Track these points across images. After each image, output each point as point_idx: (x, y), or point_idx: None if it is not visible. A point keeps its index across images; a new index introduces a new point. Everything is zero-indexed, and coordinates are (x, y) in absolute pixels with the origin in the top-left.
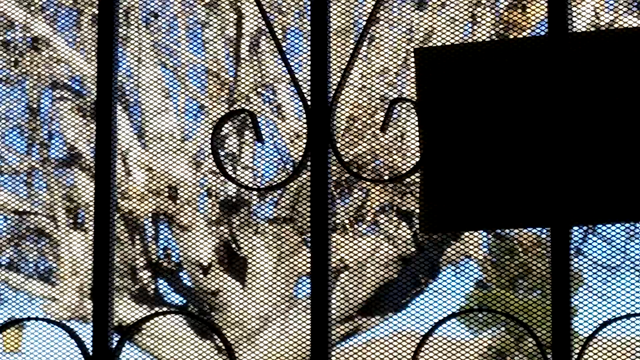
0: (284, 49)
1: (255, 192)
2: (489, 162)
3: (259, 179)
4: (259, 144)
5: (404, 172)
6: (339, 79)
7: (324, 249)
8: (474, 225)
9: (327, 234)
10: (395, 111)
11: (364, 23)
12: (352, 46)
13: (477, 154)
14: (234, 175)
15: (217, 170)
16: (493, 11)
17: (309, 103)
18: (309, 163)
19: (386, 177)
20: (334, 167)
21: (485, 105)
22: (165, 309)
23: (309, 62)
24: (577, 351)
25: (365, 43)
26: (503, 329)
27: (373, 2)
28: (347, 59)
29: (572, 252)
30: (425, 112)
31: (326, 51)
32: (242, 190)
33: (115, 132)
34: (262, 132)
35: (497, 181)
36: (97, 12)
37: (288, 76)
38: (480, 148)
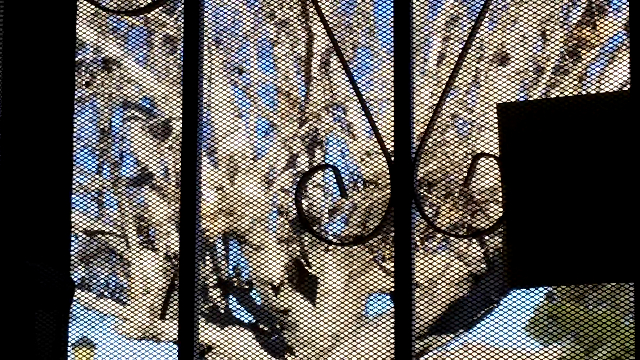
0: (354, 66)
1: (325, 211)
2: (572, 216)
3: (329, 198)
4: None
5: (474, 190)
6: (419, 126)
7: (407, 302)
8: (559, 280)
9: (410, 281)
10: (465, 129)
11: (432, 40)
12: (419, 63)
13: (559, 208)
14: (305, 193)
15: (288, 188)
16: (564, 27)
17: (392, 158)
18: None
19: (456, 194)
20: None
21: (567, 159)
22: (236, 327)
23: (379, 81)
24: None
25: (434, 61)
26: (573, 340)
27: (442, 20)
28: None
29: None
30: (508, 166)
31: (409, 108)
32: (313, 208)
33: (200, 159)
34: (333, 150)
35: (580, 235)
36: (168, 32)
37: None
38: (563, 202)
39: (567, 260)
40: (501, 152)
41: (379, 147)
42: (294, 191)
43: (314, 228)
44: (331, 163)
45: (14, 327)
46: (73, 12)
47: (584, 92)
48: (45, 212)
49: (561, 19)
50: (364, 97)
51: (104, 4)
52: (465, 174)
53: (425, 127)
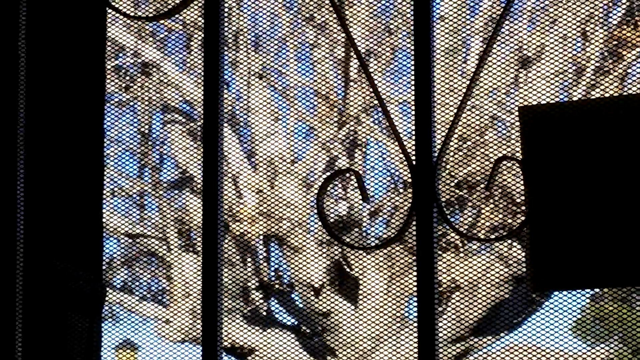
0: (392, 68)
1: (366, 213)
2: (596, 220)
3: (369, 199)
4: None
5: (515, 190)
6: (443, 116)
7: (430, 313)
8: (583, 284)
9: (433, 296)
10: (503, 128)
11: (472, 41)
12: (459, 65)
13: (583, 212)
14: (342, 196)
15: (328, 192)
16: (604, 28)
17: (413, 161)
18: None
19: (497, 196)
20: (443, 188)
21: (591, 162)
22: (277, 330)
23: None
24: None
25: (474, 62)
26: (619, 342)
27: (481, 21)
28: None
29: None
30: (530, 170)
31: (430, 111)
32: (354, 210)
33: (222, 156)
34: (372, 152)
35: (604, 238)
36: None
37: (398, 98)
38: (586, 206)
39: (591, 264)
40: (523, 156)
41: (401, 150)
42: (333, 194)
43: (355, 230)
44: (369, 166)
45: (44, 330)
46: (103, 15)
47: (625, 93)
48: (77, 214)
49: (601, 19)
50: (403, 99)
51: (142, 7)
52: (501, 177)
53: (447, 130)
